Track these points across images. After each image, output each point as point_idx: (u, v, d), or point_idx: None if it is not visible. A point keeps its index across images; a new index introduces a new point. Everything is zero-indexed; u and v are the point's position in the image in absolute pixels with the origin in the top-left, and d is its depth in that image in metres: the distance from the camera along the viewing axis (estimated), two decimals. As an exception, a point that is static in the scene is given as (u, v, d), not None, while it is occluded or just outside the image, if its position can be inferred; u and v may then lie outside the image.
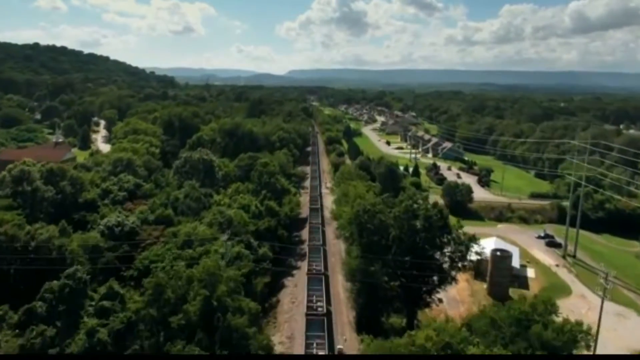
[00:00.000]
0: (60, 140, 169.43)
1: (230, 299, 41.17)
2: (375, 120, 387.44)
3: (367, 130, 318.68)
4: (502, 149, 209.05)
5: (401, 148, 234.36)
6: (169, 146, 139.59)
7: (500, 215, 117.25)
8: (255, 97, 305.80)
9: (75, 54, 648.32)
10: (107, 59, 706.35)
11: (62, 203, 77.98)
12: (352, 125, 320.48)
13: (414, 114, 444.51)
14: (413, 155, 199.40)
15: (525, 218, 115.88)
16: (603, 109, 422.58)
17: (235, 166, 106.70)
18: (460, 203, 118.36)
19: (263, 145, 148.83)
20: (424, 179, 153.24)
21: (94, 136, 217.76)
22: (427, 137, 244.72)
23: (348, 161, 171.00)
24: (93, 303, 44.44)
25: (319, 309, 62.07)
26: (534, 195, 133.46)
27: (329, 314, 63.75)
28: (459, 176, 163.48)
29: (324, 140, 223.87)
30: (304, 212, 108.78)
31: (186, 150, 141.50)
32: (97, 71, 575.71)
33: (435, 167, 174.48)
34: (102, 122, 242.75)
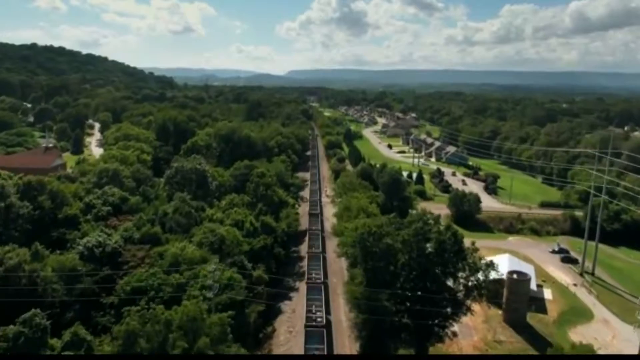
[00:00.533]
0: (50, 145, 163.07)
1: (214, 351, 35.24)
2: (376, 123, 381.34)
3: (367, 133, 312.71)
4: (508, 155, 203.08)
5: (403, 152, 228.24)
6: (161, 152, 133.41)
7: (510, 226, 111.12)
8: (254, 99, 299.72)
9: (73, 55, 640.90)
10: (105, 59, 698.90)
11: (40, 219, 71.83)
12: (353, 127, 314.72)
13: (415, 115, 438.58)
14: (416, 160, 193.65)
15: (536, 230, 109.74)
16: (607, 111, 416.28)
17: (230, 175, 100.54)
18: (467, 213, 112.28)
19: (261, 151, 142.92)
20: (428, 186, 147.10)
21: (88, 139, 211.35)
22: (429, 140, 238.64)
23: (349, 167, 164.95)
24: (54, 353, 38.48)
25: (319, 319, 60.19)
26: (545, 205, 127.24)
27: (328, 324, 61.30)
28: (464, 183, 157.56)
29: (324, 145, 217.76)
30: (303, 222, 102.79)
31: (180, 156, 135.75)
32: (95, 72, 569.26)
33: (439, 173, 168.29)
34: (97, 125, 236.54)
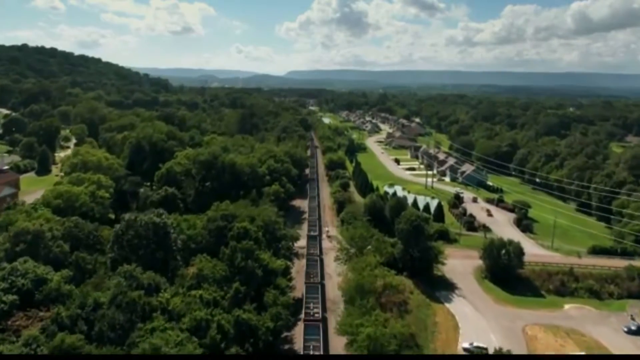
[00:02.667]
0: (5, 167, 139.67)
1: None
2: (378, 131, 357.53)
3: (371, 143, 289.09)
4: (532, 175, 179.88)
5: (413, 169, 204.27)
6: (127, 184, 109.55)
7: (562, 286, 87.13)
8: (248, 107, 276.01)
9: (65, 56, 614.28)
10: (99, 60, 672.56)
11: None
12: (355, 136, 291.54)
13: (419, 121, 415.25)
14: (429, 180, 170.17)
15: (596, 291, 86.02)
16: (624, 118, 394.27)
17: (202, 228, 76.91)
18: (506, 268, 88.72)
19: (249, 179, 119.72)
20: (449, 220, 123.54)
21: (62, 154, 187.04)
22: (442, 156, 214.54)
23: (355, 194, 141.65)
24: None
25: None
26: (596, 251, 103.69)
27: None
28: (489, 213, 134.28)
29: (324, 163, 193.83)
30: (298, 285, 79.60)
31: (151, 188, 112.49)
32: (87, 74, 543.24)
33: (458, 199, 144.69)
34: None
